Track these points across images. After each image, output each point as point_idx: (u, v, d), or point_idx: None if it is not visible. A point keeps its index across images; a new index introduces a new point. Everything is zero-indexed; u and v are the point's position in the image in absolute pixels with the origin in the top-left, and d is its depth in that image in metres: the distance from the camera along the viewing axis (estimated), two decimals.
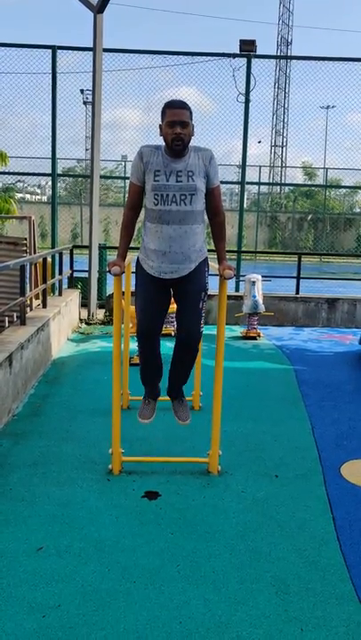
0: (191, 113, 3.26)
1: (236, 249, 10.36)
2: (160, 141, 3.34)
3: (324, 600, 2.49)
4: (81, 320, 8.53)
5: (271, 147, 36.56)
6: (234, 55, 9.81)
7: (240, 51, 9.89)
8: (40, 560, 2.70)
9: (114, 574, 2.61)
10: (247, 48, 9.82)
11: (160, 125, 3.27)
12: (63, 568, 2.64)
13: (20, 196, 26.87)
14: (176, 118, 3.18)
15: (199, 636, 2.26)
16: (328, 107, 28.42)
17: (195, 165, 3.28)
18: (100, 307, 9.16)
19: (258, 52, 10.09)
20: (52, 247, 10.11)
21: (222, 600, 2.47)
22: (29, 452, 3.87)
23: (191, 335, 3.41)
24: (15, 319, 5.72)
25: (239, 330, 8.24)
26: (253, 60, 9.78)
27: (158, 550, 2.81)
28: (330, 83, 11.00)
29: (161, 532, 2.97)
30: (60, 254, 8.18)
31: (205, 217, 3.44)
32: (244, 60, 9.77)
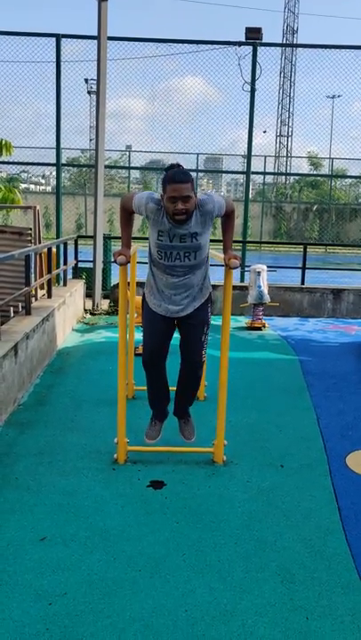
0: (193, 183, 3.15)
1: (241, 239, 10.32)
2: None
3: (329, 589, 2.50)
4: (86, 310, 8.53)
5: (277, 136, 36.33)
6: (240, 43, 9.72)
7: (246, 39, 9.79)
8: (46, 548, 2.71)
9: (119, 563, 2.62)
10: (253, 36, 9.72)
11: (161, 195, 3.20)
12: (69, 557, 2.65)
13: (24, 186, 26.82)
14: (177, 194, 3.08)
15: (205, 624, 2.27)
16: (334, 96, 28.15)
17: (199, 225, 3.23)
18: (105, 297, 9.16)
19: (263, 40, 9.99)
20: (57, 237, 10.10)
21: (228, 589, 2.48)
22: (35, 442, 3.88)
23: (194, 364, 3.57)
24: (20, 309, 5.72)
25: (244, 320, 8.23)
26: (259, 49, 9.70)
27: (164, 539, 2.82)
28: (336, 71, 10.89)
29: (166, 521, 2.98)
30: (65, 244, 8.17)
31: (209, 253, 3.44)
32: (249, 49, 9.68)
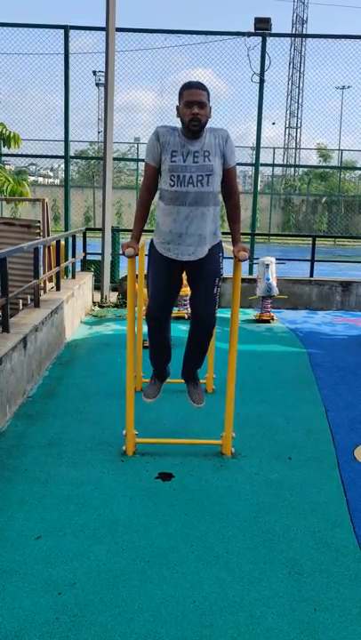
0: (209, 94, 3.24)
1: (249, 231, 10.29)
2: (176, 123, 3.31)
3: (337, 581, 2.50)
4: (94, 303, 8.55)
5: (285, 128, 36.14)
6: (248, 34, 9.65)
7: (255, 29, 9.72)
8: (55, 539, 2.73)
9: (128, 554, 2.64)
10: (262, 26, 9.65)
11: (177, 107, 3.25)
12: (78, 547, 2.67)
13: (32, 179, 26.83)
14: (194, 98, 3.16)
15: (213, 615, 2.28)
16: (344, 87, 27.93)
17: (211, 145, 3.25)
18: (114, 289, 9.17)
19: (273, 31, 9.91)
20: (65, 230, 10.11)
21: (236, 580, 2.49)
22: (44, 434, 3.91)
23: (206, 320, 3.44)
24: (29, 302, 5.75)
25: (253, 313, 8.21)
26: (268, 39, 9.63)
27: (172, 531, 2.83)
28: (346, 62, 10.79)
29: (175, 512, 3.00)
30: (74, 237, 8.18)
31: (220, 199, 3.42)
32: (258, 39, 9.62)
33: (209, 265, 3.37)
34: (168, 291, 3.44)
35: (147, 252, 5.23)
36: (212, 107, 3.28)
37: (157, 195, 3.42)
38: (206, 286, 3.39)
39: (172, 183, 3.23)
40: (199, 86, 3.22)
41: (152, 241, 3.48)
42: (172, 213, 3.29)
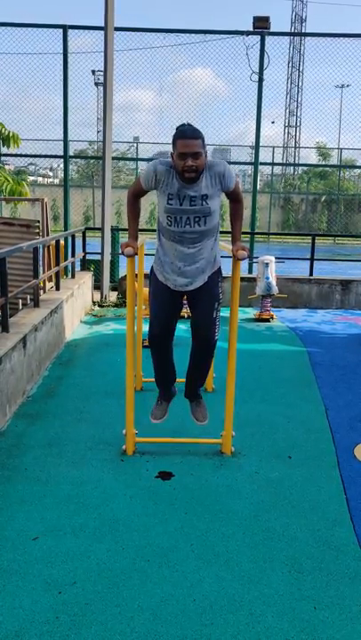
0: (204, 141, 3.14)
1: (249, 230, 10.29)
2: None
3: (337, 579, 2.51)
4: (94, 302, 8.55)
5: (285, 127, 36.12)
6: (247, 33, 9.64)
7: (253, 28, 9.71)
8: (56, 539, 2.73)
9: (128, 553, 2.64)
10: (261, 25, 9.63)
11: (171, 154, 3.19)
12: (78, 547, 2.68)
13: (32, 178, 26.81)
14: (187, 150, 3.06)
15: (213, 613, 2.29)
16: (343, 85, 27.92)
17: (209, 187, 3.20)
18: (113, 289, 9.17)
19: (271, 30, 9.90)
20: (65, 229, 10.10)
21: (236, 579, 2.49)
22: (44, 433, 3.91)
23: (207, 342, 3.45)
24: (29, 301, 5.75)
25: (252, 312, 8.22)
26: (267, 38, 9.62)
27: (172, 530, 2.83)
28: (345, 60, 10.79)
29: (175, 511, 3.00)
30: (73, 237, 8.17)
31: (219, 226, 3.41)
32: (257, 38, 9.61)
33: (208, 290, 3.40)
34: (169, 313, 3.46)
35: (146, 252, 5.24)
36: (207, 151, 3.22)
37: (158, 223, 3.41)
38: (206, 310, 3.41)
39: (169, 223, 3.23)
40: (193, 135, 3.09)
41: (152, 267, 3.50)
42: (170, 249, 3.32)
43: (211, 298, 3.40)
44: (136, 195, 3.43)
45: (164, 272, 3.39)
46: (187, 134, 3.09)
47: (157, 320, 3.43)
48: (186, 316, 7.21)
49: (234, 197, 3.40)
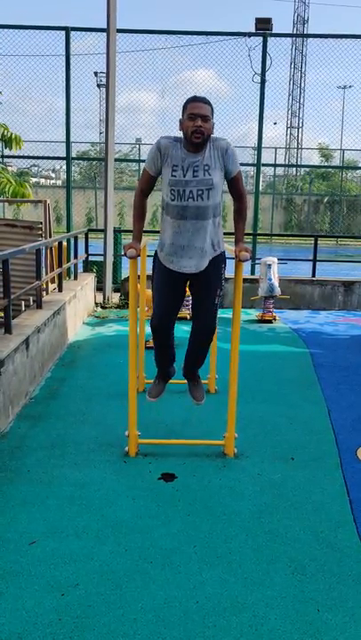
0: (213, 110, 3.24)
1: (251, 232, 10.28)
2: (178, 133, 3.30)
3: (340, 581, 2.50)
4: (96, 304, 8.55)
5: (287, 128, 36.11)
6: (249, 34, 9.65)
7: (256, 29, 9.72)
8: (58, 540, 2.73)
9: (131, 555, 2.64)
10: (263, 26, 9.64)
11: (180, 120, 3.26)
12: (81, 548, 2.67)
13: (34, 180, 26.87)
14: (197, 111, 3.16)
15: (216, 615, 2.28)
16: (345, 86, 27.92)
17: (211, 158, 3.25)
18: (116, 290, 9.17)
19: (274, 31, 9.90)
20: (68, 231, 10.11)
21: (238, 581, 2.49)
22: (47, 435, 3.91)
23: (206, 328, 3.54)
24: (31, 303, 5.75)
25: (255, 313, 8.21)
26: (269, 39, 9.62)
27: (175, 531, 2.83)
28: (348, 62, 10.76)
29: (177, 513, 2.99)
30: (76, 238, 8.19)
31: (220, 209, 3.42)
32: (259, 39, 9.61)
33: (210, 277, 3.43)
34: (172, 300, 3.51)
35: (148, 253, 5.24)
36: (215, 123, 3.28)
37: (160, 204, 3.43)
38: (207, 297, 3.47)
39: (173, 197, 3.27)
40: (204, 100, 3.23)
41: (156, 252, 3.52)
42: (173, 226, 3.34)
43: (213, 285, 3.45)
44: (143, 190, 3.44)
45: (166, 255, 3.41)
46: (198, 98, 3.24)
47: (160, 307, 3.49)
48: (188, 317, 7.21)
49: (236, 191, 3.42)
